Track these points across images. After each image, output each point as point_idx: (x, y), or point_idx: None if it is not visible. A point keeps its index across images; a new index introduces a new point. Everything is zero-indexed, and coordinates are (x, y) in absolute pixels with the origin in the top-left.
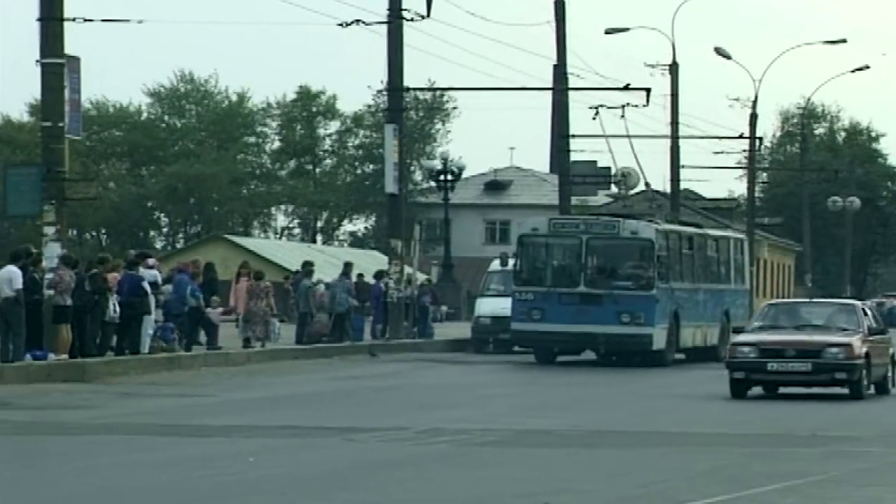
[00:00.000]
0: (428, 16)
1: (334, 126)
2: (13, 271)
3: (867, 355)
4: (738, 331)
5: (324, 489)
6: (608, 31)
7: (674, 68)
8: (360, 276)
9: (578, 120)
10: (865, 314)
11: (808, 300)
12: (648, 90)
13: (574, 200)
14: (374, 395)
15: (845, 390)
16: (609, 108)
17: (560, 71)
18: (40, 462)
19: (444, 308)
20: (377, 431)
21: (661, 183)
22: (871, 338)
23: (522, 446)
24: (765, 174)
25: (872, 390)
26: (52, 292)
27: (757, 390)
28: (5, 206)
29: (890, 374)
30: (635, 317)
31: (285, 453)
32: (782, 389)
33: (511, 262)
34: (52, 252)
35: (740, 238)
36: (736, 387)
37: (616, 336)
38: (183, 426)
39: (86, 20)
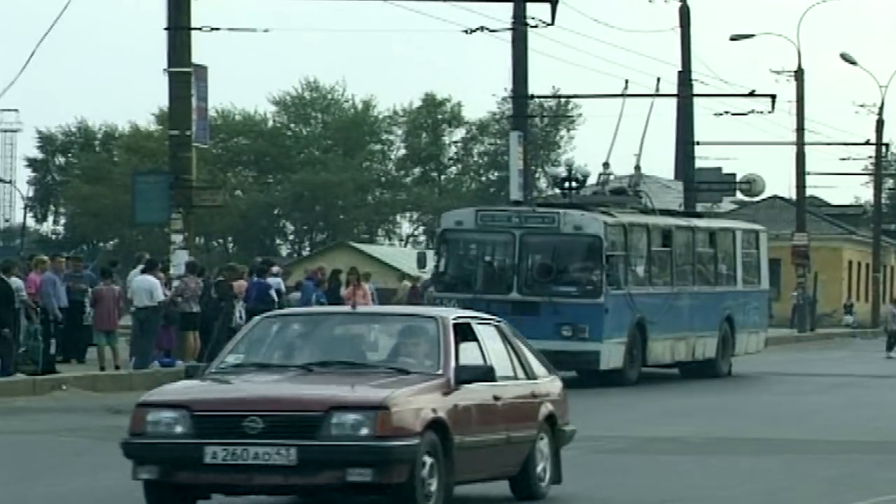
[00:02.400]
0: (552, 23)
1: (459, 133)
2: (152, 282)
3: (441, 428)
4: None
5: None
6: (733, 38)
7: (799, 74)
8: None
9: (703, 126)
10: (471, 338)
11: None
12: (774, 96)
13: (699, 207)
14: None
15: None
16: (734, 114)
17: (685, 77)
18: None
19: None
20: None
21: (787, 190)
22: (470, 388)
23: (648, 453)
24: (891, 180)
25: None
26: (178, 299)
27: None
28: (134, 214)
29: (543, 463)
30: (578, 329)
31: None
32: None
33: (430, 262)
34: (180, 260)
35: (752, 230)
36: None
37: (555, 353)
38: None
39: (213, 29)
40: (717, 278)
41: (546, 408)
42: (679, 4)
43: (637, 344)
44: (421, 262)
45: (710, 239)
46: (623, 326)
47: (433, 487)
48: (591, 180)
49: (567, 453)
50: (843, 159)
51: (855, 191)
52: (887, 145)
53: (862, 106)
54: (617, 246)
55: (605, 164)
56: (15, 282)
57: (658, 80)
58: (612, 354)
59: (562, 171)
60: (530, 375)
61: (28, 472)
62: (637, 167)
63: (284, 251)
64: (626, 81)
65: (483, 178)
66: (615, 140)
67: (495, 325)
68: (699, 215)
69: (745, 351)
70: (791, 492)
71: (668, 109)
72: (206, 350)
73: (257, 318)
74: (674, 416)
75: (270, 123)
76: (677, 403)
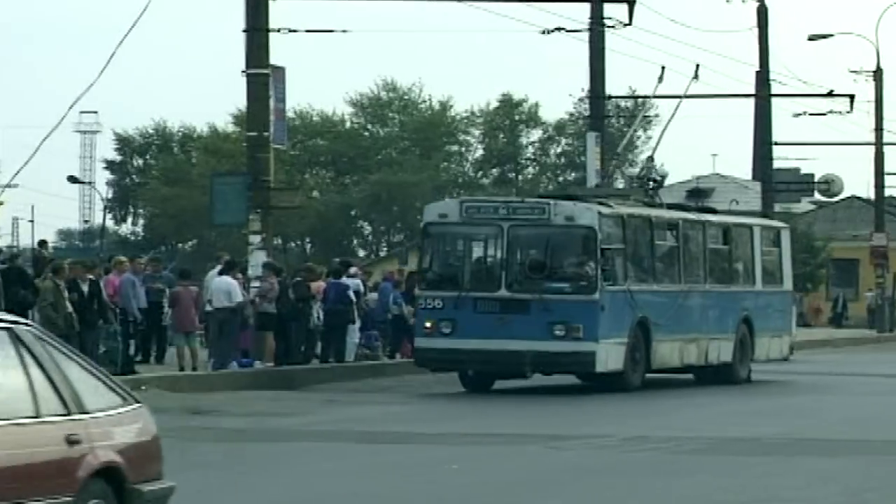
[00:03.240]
0: (630, 23)
1: (537, 134)
2: (230, 283)
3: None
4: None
5: (527, 496)
6: (811, 38)
7: (878, 74)
8: None
9: (782, 127)
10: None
11: None
12: (852, 96)
13: (777, 208)
14: (576, 403)
15: None
16: (812, 114)
17: (763, 77)
18: (249, 469)
19: None
20: (581, 439)
21: (866, 190)
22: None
23: (728, 454)
24: None
25: None
26: (259, 300)
27: None
28: (212, 216)
29: None
30: (572, 329)
31: (488, 460)
32: None
33: (414, 258)
34: (258, 260)
35: (772, 227)
36: None
37: (547, 355)
38: (387, 433)
39: (290, 31)
40: (733, 277)
41: (99, 458)
42: (757, 4)
43: (640, 345)
44: (402, 258)
45: (724, 235)
46: (622, 326)
47: None
48: (717, 185)
49: (645, 454)
50: None
51: None
52: None
53: None
54: (614, 238)
55: (650, 159)
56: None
57: (697, 66)
58: (609, 356)
59: (639, 170)
60: (72, 408)
61: None
62: (650, 158)
63: (362, 252)
64: (663, 68)
65: (560, 179)
66: (663, 135)
67: (6, 329)
68: (714, 211)
69: (767, 356)
70: (873, 493)
71: (746, 110)
72: (284, 351)
73: None
74: (747, 417)
75: (348, 124)
76: (750, 405)
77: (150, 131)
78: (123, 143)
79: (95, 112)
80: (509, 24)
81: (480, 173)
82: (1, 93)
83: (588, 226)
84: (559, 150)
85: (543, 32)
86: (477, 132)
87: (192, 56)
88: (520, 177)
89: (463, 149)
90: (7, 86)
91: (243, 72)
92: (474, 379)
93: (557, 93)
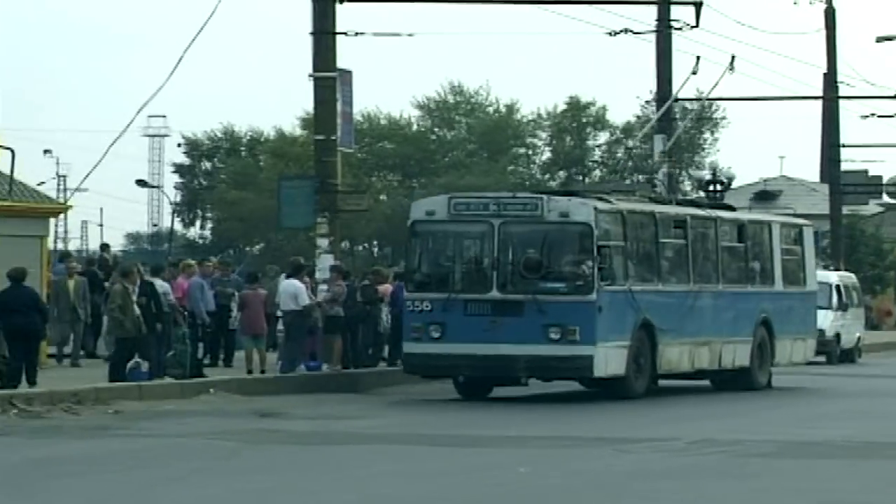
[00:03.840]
0: (696, 25)
1: (604, 137)
2: (298, 286)
3: None
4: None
5: (597, 498)
6: (879, 40)
7: None
8: None
9: (849, 129)
10: None
11: None
12: None
13: (844, 210)
14: (648, 405)
15: None
16: (880, 116)
17: (830, 79)
18: (316, 471)
19: None
20: (648, 442)
21: None
22: None
23: (796, 457)
24: None
25: None
26: (326, 303)
27: None
28: (280, 219)
29: None
30: (568, 331)
31: (556, 463)
32: None
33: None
34: (325, 263)
35: (794, 224)
36: None
37: (542, 359)
38: (454, 436)
39: (357, 34)
40: (750, 277)
41: None
42: (824, 6)
43: (645, 349)
44: (388, 258)
45: (739, 233)
46: (624, 328)
47: None
48: (785, 187)
49: (712, 457)
50: None
51: None
52: None
53: None
54: (612, 235)
55: (665, 153)
56: (162, 285)
57: (732, 57)
58: (609, 360)
59: (706, 173)
60: None
61: (176, 474)
62: (663, 152)
63: None
64: (698, 58)
65: (627, 181)
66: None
67: None
68: (730, 208)
69: (789, 360)
70: None
71: (814, 112)
72: (352, 353)
73: None
74: (814, 420)
75: (415, 127)
76: (816, 408)
77: (219, 135)
78: (192, 146)
79: (164, 116)
80: (576, 26)
81: (548, 175)
82: (70, 98)
83: (584, 222)
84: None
85: (610, 34)
86: (544, 135)
87: (259, 60)
88: (587, 179)
89: (530, 151)
90: (76, 91)
91: (310, 75)
92: (469, 385)
93: (624, 95)
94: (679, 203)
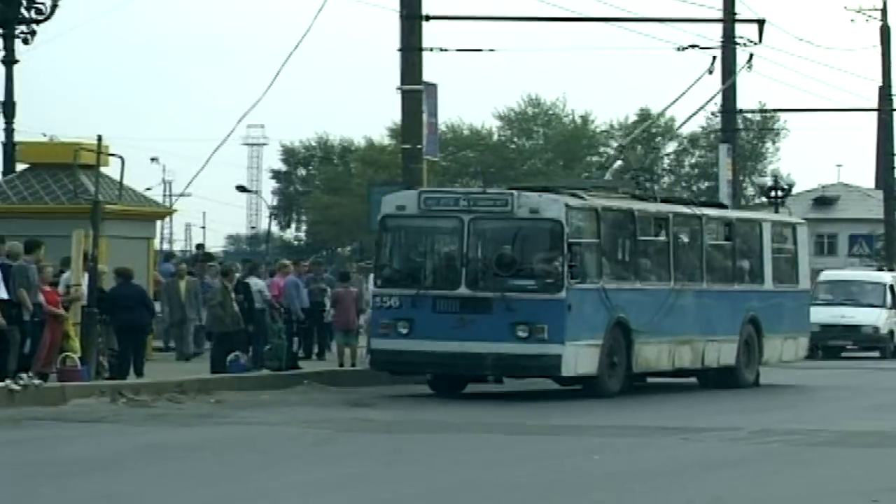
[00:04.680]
0: (759, 41)
1: (672, 146)
2: None
3: None
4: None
5: (664, 484)
6: None
7: None
8: None
9: None
10: None
11: None
12: None
13: None
14: (707, 397)
15: None
16: None
17: (885, 92)
18: (404, 458)
19: None
20: (712, 431)
21: None
22: None
23: (854, 446)
24: None
25: None
26: None
27: None
28: (369, 222)
29: None
30: (535, 329)
31: (627, 451)
32: None
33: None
34: None
35: (786, 223)
36: None
37: (509, 357)
38: (533, 426)
39: (442, 50)
40: (737, 275)
41: None
42: (880, 24)
43: (619, 347)
44: (356, 252)
45: (727, 230)
46: (595, 326)
47: None
48: (842, 194)
49: (774, 446)
50: None
51: None
52: None
53: None
54: (585, 232)
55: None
56: (257, 283)
57: (750, 55)
58: (579, 358)
59: (768, 180)
60: None
61: (272, 459)
62: (654, 148)
63: None
64: (714, 59)
65: (694, 188)
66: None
67: None
68: (721, 206)
69: (780, 359)
70: None
71: (869, 123)
72: None
73: None
74: (868, 412)
75: (495, 137)
76: (869, 400)
77: (313, 144)
78: (288, 154)
79: (262, 126)
80: (647, 42)
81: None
82: (174, 108)
83: (554, 219)
84: (693, 160)
85: (679, 49)
86: (616, 144)
87: (351, 74)
88: (656, 186)
89: (603, 160)
90: (180, 101)
91: (398, 88)
92: (442, 381)
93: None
94: (665, 200)
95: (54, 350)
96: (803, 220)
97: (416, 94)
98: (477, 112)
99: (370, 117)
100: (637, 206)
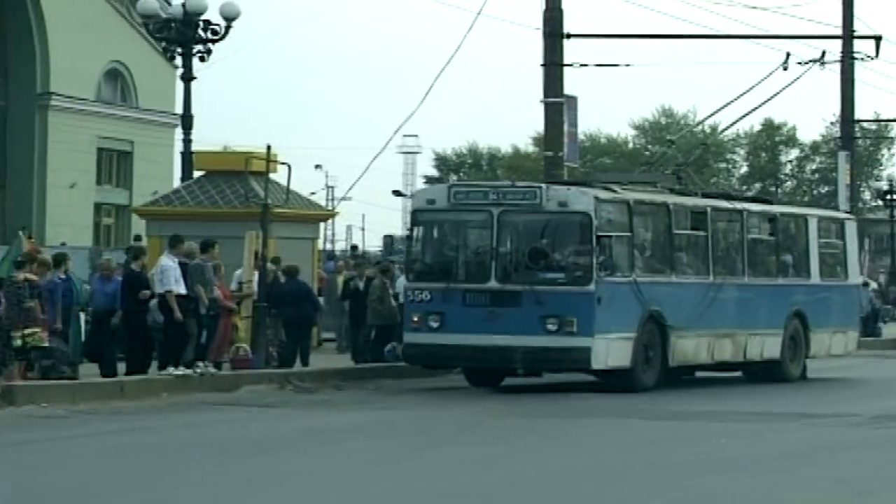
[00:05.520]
0: (876, 56)
1: (794, 153)
2: None
3: None
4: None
5: (789, 465)
6: None
7: None
8: None
9: None
10: None
11: None
12: None
13: None
14: (829, 385)
15: None
16: None
17: None
18: (548, 440)
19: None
20: (833, 417)
21: None
22: None
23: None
24: None
25: None
26: None
27: None
28: None
29: None
30: (565, 322)
31: (751, 435)
32: None
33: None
34: None
35: (833, 218)
36: None
37: (538, 350)
38: (662, 411)
39: (582, 65)
40: (781, 269)
41: None
42: None
43: (655, 340)
44: (387, 247)
45: (771, 225)
46: (627, 319)
47: None
48: None
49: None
50: None
51: None
52: None
53: None
54: (616, 226)
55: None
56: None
57: (787, 54)
58: (610, 352)
59: (884, 184)
60: None
61: (422, 441)
62: (704, 144)
63: None
64: (788, 55)
65: (815, 192)
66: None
67: None
68: (767, 201)
69: (828, 352)
70: None
71: None
72: None
73: None
74: None
75: (630, 145)
76: None
77: (464, 151)
78: (441, 161)
79: (416, 136)
80: (772, 55)
81: (745, 187)
82: (337, 120)
83: (583, 211)
84: (814, 167)
85: (800, 64)
86: (742, 152)
87: (498, 87)
88: (779, 190)
89: (730, 166)
90: (342, 114)
91: (542, 100)
92: (476, 374)
93: (813, 117)
94: (706, 195)
95: (227, 341)
96: (852, 217)
97: (557, 105)
98: (613, 122)
99: (516, 127)
100: (673, 199)
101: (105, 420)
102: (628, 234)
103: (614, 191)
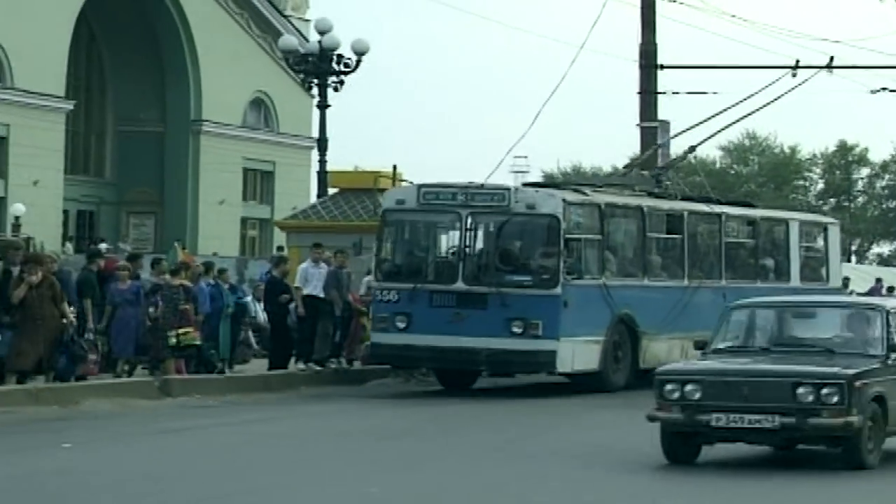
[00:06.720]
0: None
1: (866, 171)
2: None
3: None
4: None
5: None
6: None
7: None
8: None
9: None
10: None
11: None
12: None
13: None
14: None
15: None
16: None
17: None
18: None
19: None
20: None
21: None
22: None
23: None
24: None
25: None
26: None
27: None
28: None
29: None
30: (530, 325)
31: None
32: None
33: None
34: None
35: (815, 222)
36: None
37: (503, 353)
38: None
39: (674, 93)
40: (760, 273)
41: None
42: None
43: (625, 343)
44: (357, 248)
45: (749, 229)
46: (596, 322)
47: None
48: None
49: None
50: None
51: None
52: None
53: None
54: (585, 228)
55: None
56: None
57: (831, 58)
58: (576, 355)
59: None
60: None
61: (528, 432)
62: (692, 148)
63: None
64: (797, 61)
65: (884, 206)
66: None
67: None
68: (749, 205)
69: None
70: None
71: None
72: None
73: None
74: None
75: (717, 165)
76: None
77: (568, 171)
78: (548, 179)
79: (526, 157)
80: (844, 84)
81: (821, 202)
82: (454, 142)
83: (551, 214)
84: (884, 183)
85: (872, 92)
86: (818, 170)
87: (599, 112)
88: (852, 205)
89: (807, 183)
90: (459, 136)
91: (637, 125)
92: (450, 375)
93: (884, 139)
94: (686, 199)
95: (357, 340)
96: (836, 221)
97: (652, 129)
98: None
99: (615, 148)
100: (648, 202)
101: (249, 410)
102: (599, 237)
103: (584, 193)
